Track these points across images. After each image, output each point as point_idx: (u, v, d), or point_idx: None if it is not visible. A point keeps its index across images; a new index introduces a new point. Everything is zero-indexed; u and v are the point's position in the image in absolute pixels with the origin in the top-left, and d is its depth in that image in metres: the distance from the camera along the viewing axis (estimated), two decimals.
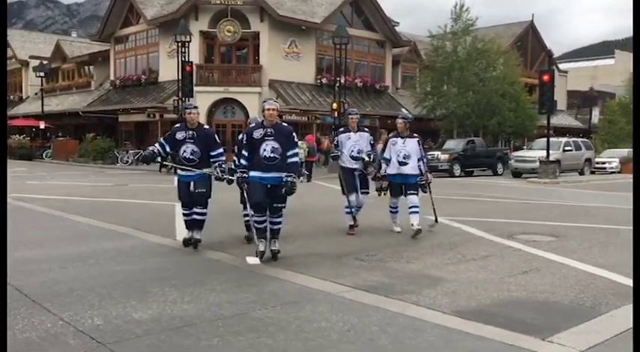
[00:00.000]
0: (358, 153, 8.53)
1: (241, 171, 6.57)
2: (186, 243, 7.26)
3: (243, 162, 6.61)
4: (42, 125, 37.50)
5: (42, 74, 37.42)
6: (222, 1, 29.71)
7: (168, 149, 7.35)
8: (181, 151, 7.14)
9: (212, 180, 7.25)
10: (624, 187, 18.47)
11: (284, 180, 6.39)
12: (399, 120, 8.65)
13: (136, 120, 34.22)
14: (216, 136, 7.47)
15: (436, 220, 8.64)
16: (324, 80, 31.86)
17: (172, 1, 32.34)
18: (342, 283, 5.51)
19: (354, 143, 8.56)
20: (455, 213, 10.50)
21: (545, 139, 23.49)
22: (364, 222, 8.93)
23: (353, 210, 8.55)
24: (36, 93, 40.87)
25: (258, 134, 6.48)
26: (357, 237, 8.16)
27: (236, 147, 7.33)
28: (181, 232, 7.84)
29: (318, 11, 32.26)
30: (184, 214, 7.32)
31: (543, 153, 22.56)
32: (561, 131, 38.29)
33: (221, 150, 7.30)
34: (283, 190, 6.42)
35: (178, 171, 7.38)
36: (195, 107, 7.31)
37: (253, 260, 6.42)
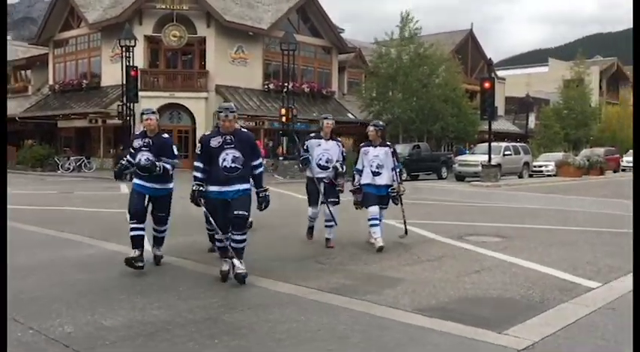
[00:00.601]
0: (327, 162, 7.95)
1: (197, 185, 5.84)
2: (129, 262, 6.13)
3: (198, 174, 5.88)
4: None
5: None
6: (167, 5, 29.47)
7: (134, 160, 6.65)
8: (136, 159, 6.52)
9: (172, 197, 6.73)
10: (562, 189, 19.51)
11: (260, 195, 6.02)
12: (371, 128, 8.06)
13: (76, 126, 33.40)
14: (174, 147, 6.72)
15: (406, 232, 8.21)
16: (271, 85, 32.03)
17: (115, 5, 31.78)
18: (306, 286, 5.66)
19: (324, 151, 7.99)
20: (405, 215, 10.75)
21: (486, 144, 24.41)
22: (321, 227, 9.03)
23: (314, 222, 8.26)
24: None
25: (215, 142, 5.78)
26: (315, 242, 8.27)
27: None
28: None
29: (265, 17, 32.39)
30: (132, 228, 6.37)
31: (485, 157, 23.46)
32: (500, 136, 39.71)
33: (176, 161, 6.72)
34: (262, 206, 6.06)
35: (134, 180, 6.62)
36: (153, 112, 6.57)
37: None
